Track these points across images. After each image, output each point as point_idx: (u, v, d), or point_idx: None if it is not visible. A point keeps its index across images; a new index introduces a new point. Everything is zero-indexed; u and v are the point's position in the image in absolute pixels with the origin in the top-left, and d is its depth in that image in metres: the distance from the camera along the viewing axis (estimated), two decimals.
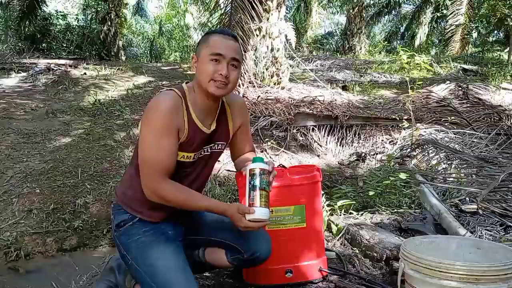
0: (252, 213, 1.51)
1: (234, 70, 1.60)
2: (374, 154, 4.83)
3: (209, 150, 1.70)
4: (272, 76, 6.66)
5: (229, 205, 1.59)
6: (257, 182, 1.54)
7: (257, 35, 6.46)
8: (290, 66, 8.20)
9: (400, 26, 20.93)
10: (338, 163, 4.79)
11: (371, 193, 3.40)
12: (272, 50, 6.60)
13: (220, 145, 1.74)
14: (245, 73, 6.30)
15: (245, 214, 1.52)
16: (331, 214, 3.01)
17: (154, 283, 1.50)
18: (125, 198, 1.67)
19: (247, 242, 1.69)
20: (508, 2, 10.50)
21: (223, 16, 6.62)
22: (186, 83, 1.68)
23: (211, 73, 1.55)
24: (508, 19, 10.37)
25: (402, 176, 3.44)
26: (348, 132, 5.22)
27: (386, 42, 18.93)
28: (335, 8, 20.63)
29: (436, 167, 3.99)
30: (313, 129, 5.22)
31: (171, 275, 1.50)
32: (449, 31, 13.64)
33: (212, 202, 1.64)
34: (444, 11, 15.43)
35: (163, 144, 1.52)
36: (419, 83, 6.37)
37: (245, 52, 6.31)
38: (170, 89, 1.62)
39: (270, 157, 4.55)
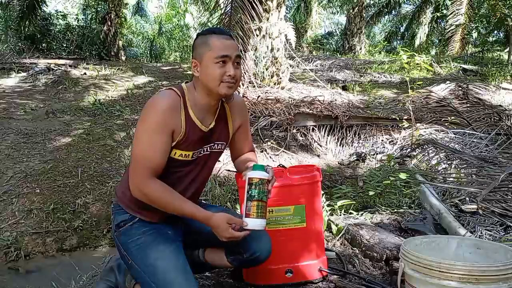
0: (245, 225, 1.53)
1: (238, 68, 1.61)
2: (374, 154, 4.83)
3: (208, 150, 1.70)
4: (272, 76, 6.66)
5: (213, 214, 1.56)
6: (254, 192, 1.54)
7: (257, 35, 6.46)
8: (290, 66, 8.20)
9: (400, 26, 20.92)
10: (338, 163, 4.79)
11: (371, 193, 3.40)
12: (272, 50, 6.60)
13: (219, 145, 1.74)
14: (245, 73, 6.30)
15: (240, 225, 1.53)
16: (331, 214, 3.01)
17: (154, 283, 1.50)
18: (125, 198, 1.67)
19: (247, 242, 1.69)
20: (508, 2, 10.51)
21: (223, 16, 6.62)
22: (186, 83, 1.68)
23: (220, 76, 1.56)
24: (508, 19, 10.37)
25: (402, 176, 3.44)
26: (348, 132, 5.22)
27: (386, 42, 18.91)
28: (335, 8, 20.62)
29: (436, 167, 3.99)
30: (313, 129, 5.22)
31: (171, 275, 1.50)
32: (449, 31, 13.64)
33: (196, 208, 1.59)
34: (444, 11, 15.42)
35: (155, 143, 1.53)
36: (419, 83, 6.37)
37: (245, 52, 6.31)
38: (169, 88, 1.63)
39: (270, 157, 4.55)
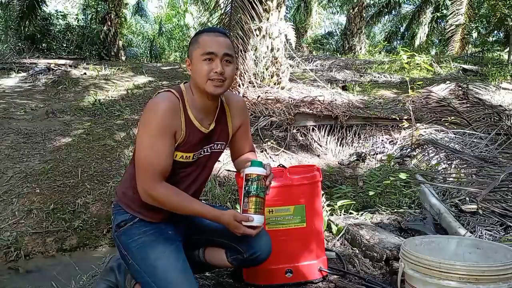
0: (250, 221, 1.53)
1: (228, 66, 1.59)
2: (374, 154, 4.83)
3: (208, 150, 1.70)
4: (272, 76, 6.65)
5: (222, 213, 1.57)
6: (251, 188, 1.54)
7: (257, 35, 6.46)
8: (290, 66, 8.19)
9: (400, 26, 20.93)
10: (338, 163, 4.79)
11: (371, 193, 3.40)
12: (272, 50, 6.60)
13: (219, 145, 1.74)
14: (245, 73, 6.30)
15: (245, 221, 1.54)
16: (331, 214, 3.01)
17: (154, 283, 1.50)
18: (125, 198, 1.67)
19: (247, 242, 1.69)
20: (508, 2, 10.50)
21: (223, 16, 6.61)
22: (184, 83, 1.68)
23: (206, 73, 1.55)
24: (508, 19, 10.37)
25: (402, 176, 3.44)
26: (348, 132, 5.22)
27: (386, 42, 18.91)
28: (335, 8, 20.64)
29: (436, 167, 3.99)
30: (313, 129, 5.22)
31: (171, 275, 1.50)
32: (449, 31, 13.64)
33: (206, 208, 1.61)
34: (444, 11, 15.44)
35: (158, 146, 1.53)
36: (419, 83, 6.37)
37: (245, 52, 6.31)
38: (167, 90, 1.62)
39: (270, 157, 4.55)
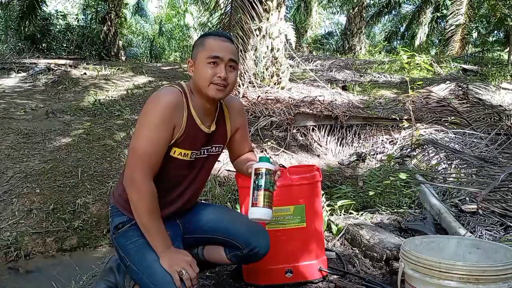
0: (251, 216, 1.51)
1: (232, 72, 1.59)
2: (374, 154, 4.83)
3: (205, 153, 1.70)
4: (272, 76, 6.65)
5: (166, 249, 1.53)
6: (261, 182, 1.54)
7: (257, 35, 6.46)
8: (290, 66, 8.19)
9: (400, 26, 20.93)
10: (338, 163, 4.79)
11: (371, 193, 3.40)
12: (272, 50, 6.60)
13: (217, 147, 1.74)
14: (245, 73, 6.30)
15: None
16: (331, 214, 3.01)
17: (153, 284, 1.49)
18: (121, 200, 1.66)
19: (246, 237, 1.69)
20: (508, 2, 10.50)
21: (223, 16, 6.61)
22: (183, 82, 1.67)
23: (209, 77, 1.55)
24: (508, 19, 10.36)
25: (402, 176, 3.44)
26: (348, 132, 5.22)
27: (386, 42, 18.93)
28: (335, 8, 20.63)
29: (436, 167, 3.99)
30: (313, 129, 5.22)
31: (169, 276, 1.49)
32: (449, 31, 13.64)
33: (160, 233, 1.55)
34: (444, 11, 15.44)
35: (156, 139, 1.52)
36: (419, 83, 6.37)
37: (245, 52, 6.30)
38: (171, 85, 1.62)
39: (270, 157, 4.55)
